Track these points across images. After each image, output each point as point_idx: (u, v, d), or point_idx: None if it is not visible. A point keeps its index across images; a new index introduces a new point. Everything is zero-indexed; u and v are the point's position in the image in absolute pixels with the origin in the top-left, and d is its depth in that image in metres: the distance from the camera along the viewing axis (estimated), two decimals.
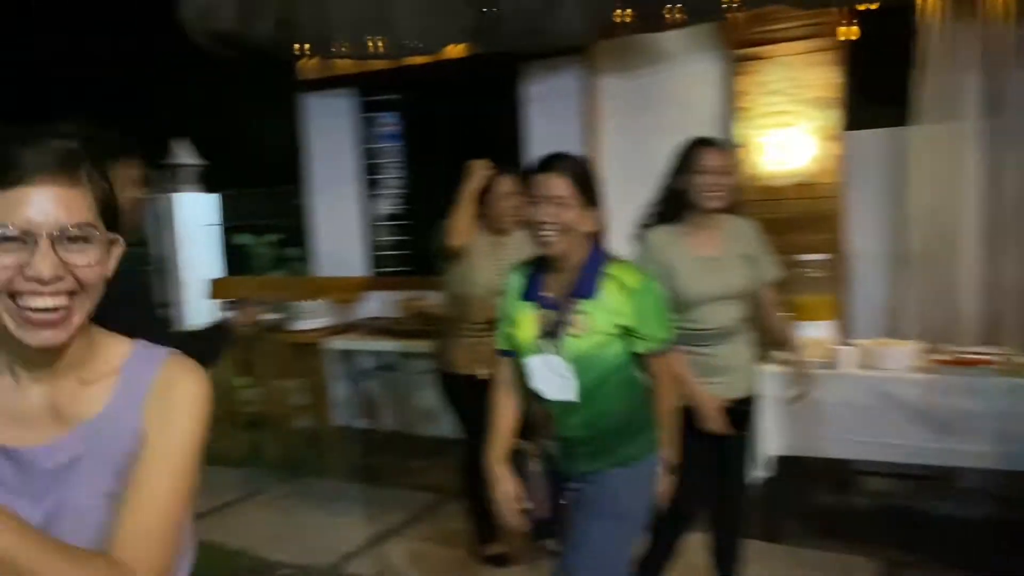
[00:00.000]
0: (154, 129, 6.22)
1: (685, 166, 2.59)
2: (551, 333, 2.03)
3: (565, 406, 2.07)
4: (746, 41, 4.34)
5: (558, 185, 1.97)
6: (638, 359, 2.09)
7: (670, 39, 4.45)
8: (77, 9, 7.39)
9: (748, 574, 2.91)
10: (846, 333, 4.04)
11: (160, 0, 4.62)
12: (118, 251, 1.04)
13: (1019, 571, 3.20)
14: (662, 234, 2.62)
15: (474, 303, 3.27)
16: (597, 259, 2.04)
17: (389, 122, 5.52)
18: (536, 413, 2.16)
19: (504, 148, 4.86)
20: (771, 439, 3.50)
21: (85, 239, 0.98)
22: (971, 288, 3.99)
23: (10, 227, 0.94)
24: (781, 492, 3.72)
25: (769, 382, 3.29)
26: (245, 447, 5.08)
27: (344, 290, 5.51)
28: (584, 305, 2.00)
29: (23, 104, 7.32)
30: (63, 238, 0.96)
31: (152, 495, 1.03)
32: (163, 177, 7.02)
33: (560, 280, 2.06)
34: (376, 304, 5.50)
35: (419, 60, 4.96)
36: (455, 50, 4.75)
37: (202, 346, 2.18)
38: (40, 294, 0.96)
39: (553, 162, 2.01)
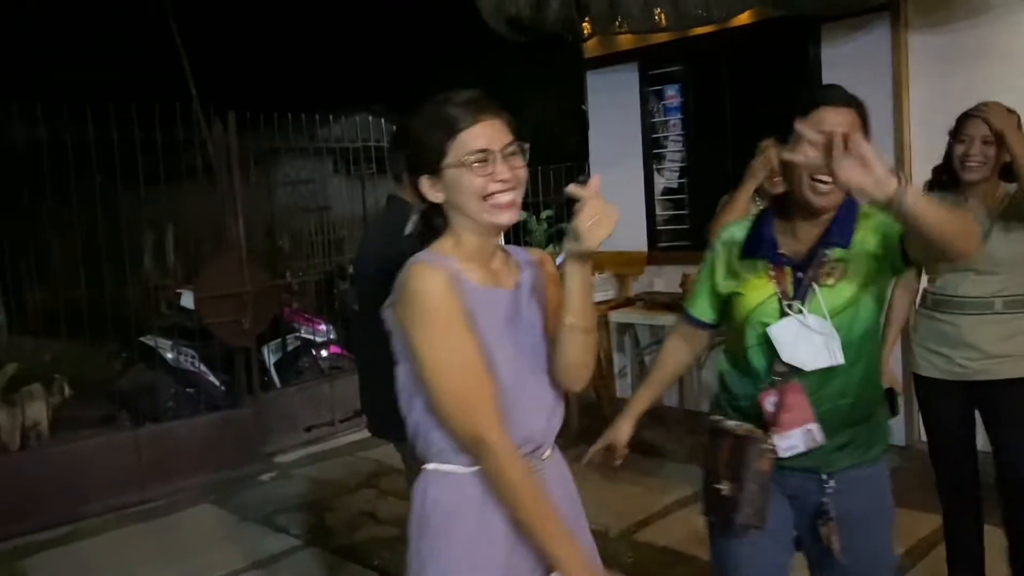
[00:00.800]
0: None
1: (952, 134, 2.62)
2: (798, 291, 1.82)
3: (824, 376, 1.80)
4: None
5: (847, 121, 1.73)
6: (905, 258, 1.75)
7: None
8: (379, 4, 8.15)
9: None
10: None
11: None
12: (526, 155, 1.51)
13: None
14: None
15: None
16: (851, 204, 1.80)
17: (672, 95, 5.47)
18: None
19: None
20: None
21: (515, 151, 1.48)
22: None
23: (479, 152, 1.44)
24: None
25: None
26: None
27: (624, 264, 5.58)
28: (839, 253, 1.79)
29: (334, 88, 8.21)
30: (506, 153, 1.46)
31: None
32: None
33: (804, 232, 1.83)
34: (656, 278, 5.51)
35: (703, 30, 4.86)
36: (741, 16, 4.59)
37: None
38: (504, 191, 1.46)
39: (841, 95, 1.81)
